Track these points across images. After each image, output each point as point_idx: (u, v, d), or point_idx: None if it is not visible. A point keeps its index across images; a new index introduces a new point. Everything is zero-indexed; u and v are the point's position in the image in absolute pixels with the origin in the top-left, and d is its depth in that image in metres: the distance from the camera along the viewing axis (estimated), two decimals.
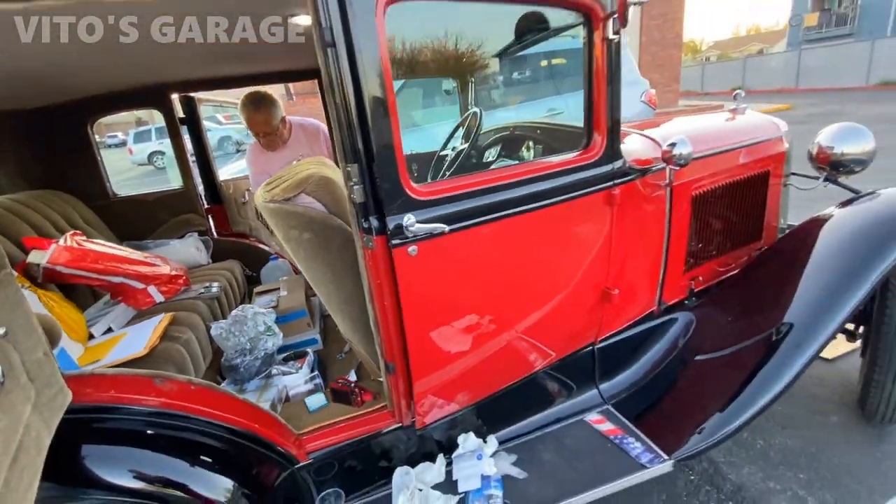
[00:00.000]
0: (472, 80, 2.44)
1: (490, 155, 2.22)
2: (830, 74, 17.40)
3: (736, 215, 1.97)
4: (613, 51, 1.28)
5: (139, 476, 1.00)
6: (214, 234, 2.74)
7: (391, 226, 1.08)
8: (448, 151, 2.37)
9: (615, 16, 1.21)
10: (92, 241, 1.71)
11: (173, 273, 1.81)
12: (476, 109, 2.26)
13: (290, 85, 9.74)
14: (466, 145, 2.09)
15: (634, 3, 1.19)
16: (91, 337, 1.51)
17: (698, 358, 1.72)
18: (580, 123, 1.40)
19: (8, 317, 0.75)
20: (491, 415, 1.56)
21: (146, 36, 1.34)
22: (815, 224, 1.74)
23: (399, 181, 1.07)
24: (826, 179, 2.05)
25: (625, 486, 1.37)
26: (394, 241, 1.09)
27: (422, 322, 1.22)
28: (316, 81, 2.49)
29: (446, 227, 1.11)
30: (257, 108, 2.17)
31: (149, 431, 1.06)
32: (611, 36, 1.24)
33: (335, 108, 1.02)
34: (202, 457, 1.11)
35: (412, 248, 1.11)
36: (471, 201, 1.18)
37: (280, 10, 1.39)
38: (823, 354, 2.34)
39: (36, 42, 1.19)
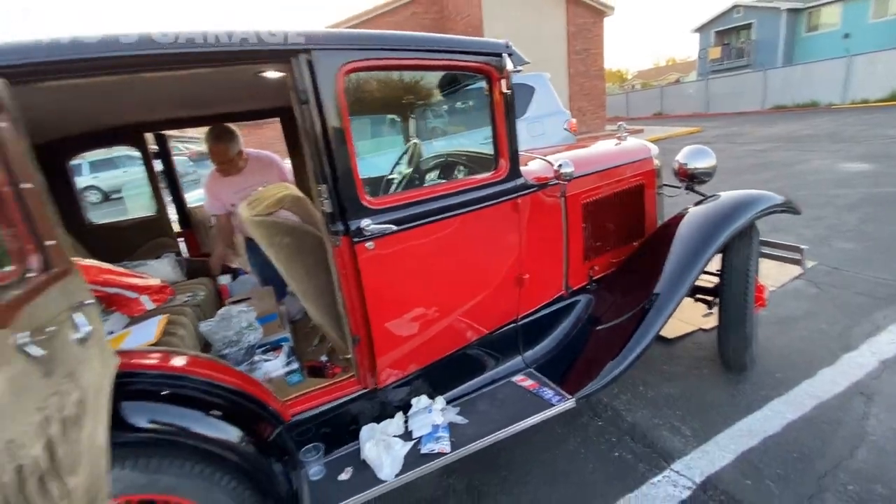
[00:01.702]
0: (412, 116, 2.92)
1: (431, 177, 2.68)
2: (733, 100, 19.85)
3: (621, 218, 2.53)
4: (509, 100, 1.79)
5: (160, 423, 1.29)
6: (187, 255, 3.01)
7: (352, 228, 1.49)
8: (395, 175, 2.82)
9: (504, 78, 1.72)
10: (85, 260, 1.96)
11: (161, 284, 2.09)
12: (416, 141, 2.74)
13: None
14: (410, 170, 2.55)
15: (515, 71, 1.70)
16: None
17: (596, 328, 2.23)
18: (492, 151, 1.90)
19: None
20: (438, 380, 1.96)
21: (128, 83, 1.54)
22: (676, 220, 2.34)
23: (357, 196, 1.49)
24: (686, 188, 2.70)
25: (539, 420, 1.81)
26: (355, 240, 1.50)
27: (380, 300, 1.62)
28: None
29: (394, 227, 1.54)
30: (217, 140, 2.53)
31: (171, 392, 1.36)
32: (505, 91, 1.75)
33: (308, 145, 1.43)
34: (213, 410, 1.42)
35: (370, 244, 1.53)
36: (412, 209, 1.62)
37: (254, 68, 1.79)
38: (703, 326, 2.96)
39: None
